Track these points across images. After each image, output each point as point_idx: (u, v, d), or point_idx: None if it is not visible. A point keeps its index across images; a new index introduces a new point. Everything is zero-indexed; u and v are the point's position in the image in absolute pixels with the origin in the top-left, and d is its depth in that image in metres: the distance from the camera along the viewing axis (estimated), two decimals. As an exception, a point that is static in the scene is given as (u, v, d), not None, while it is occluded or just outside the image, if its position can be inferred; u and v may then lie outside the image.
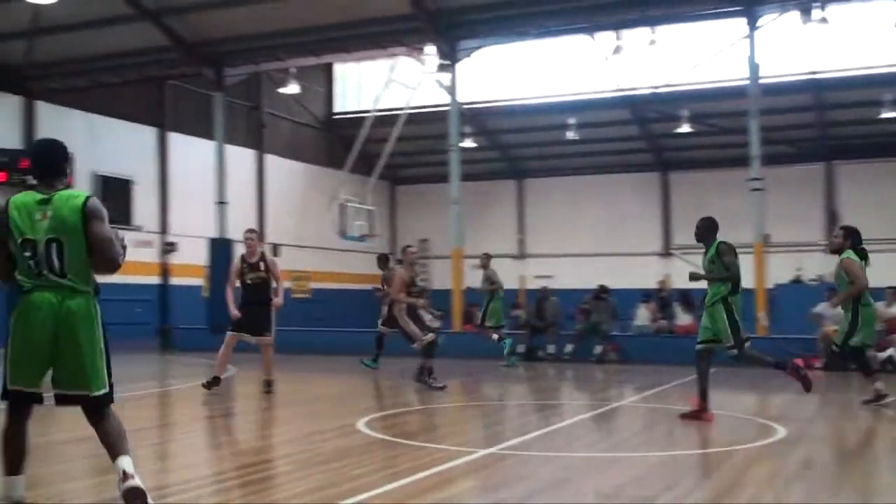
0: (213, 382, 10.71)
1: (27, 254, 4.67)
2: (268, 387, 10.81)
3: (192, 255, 23.10)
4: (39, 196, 4.73)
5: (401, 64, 23.05)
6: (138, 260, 23.92)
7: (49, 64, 21.29)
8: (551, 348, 17.47)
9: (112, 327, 4.87)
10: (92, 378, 4.67)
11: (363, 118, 24.21)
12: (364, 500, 5.24)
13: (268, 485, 6.01)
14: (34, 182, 4.87)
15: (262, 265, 10.66)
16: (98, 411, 4.73)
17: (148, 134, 24.62)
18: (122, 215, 23.64)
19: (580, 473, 6.32)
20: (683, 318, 18.25)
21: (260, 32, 19.96)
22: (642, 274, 24.91)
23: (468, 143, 26.19)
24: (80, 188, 20.26)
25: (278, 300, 10.83)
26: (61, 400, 4.71)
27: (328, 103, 31.03)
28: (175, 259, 24.57)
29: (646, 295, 19.86)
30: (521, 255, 30.28)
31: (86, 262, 4.73)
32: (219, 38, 20.38)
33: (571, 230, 29.01)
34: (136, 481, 4.54)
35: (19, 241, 4.67)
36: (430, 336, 11.54)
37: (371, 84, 27.82)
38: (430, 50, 19.95)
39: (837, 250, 9.93)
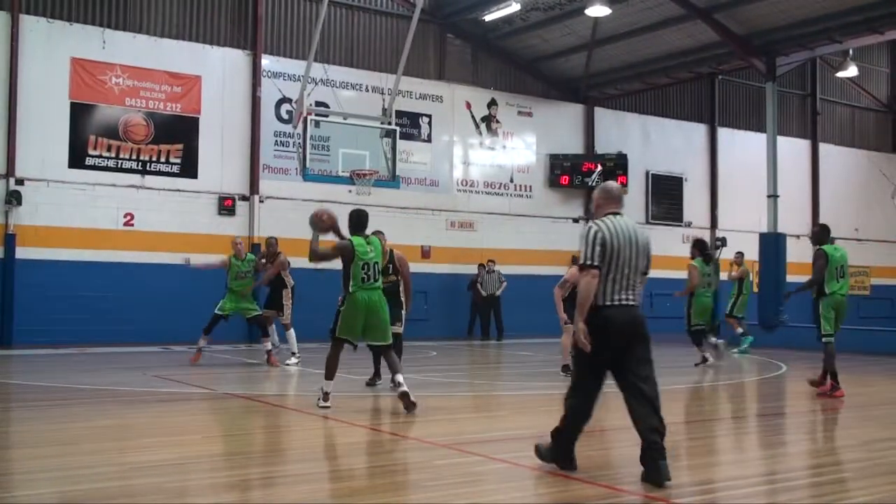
0: (566, 369, 11.66)
1: (364, 269, 8.38)
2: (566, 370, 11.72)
3: (740, 250, 22.93)
4: (364, 239, 8.50)
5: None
6: (685, 256, 24.43)
7: (605, 72, 22.84)
8: None
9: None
10: (387, 336, 8.59)
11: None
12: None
13: (819, 492, 5.67)
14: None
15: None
16: (386, 350, 8.60)
17: (697, 131, 25.04)
18: (673, 212, 24.39)
19: None
20: None
21: (815, 16, 18.94)
22: None
23: None
24: (635, 187, 21.29)
25: None
26: (373, 347, 8.83)
27: (893, 84, 28.45)
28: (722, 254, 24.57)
29: None
30: None
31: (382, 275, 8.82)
32: (770, 28, 19.81)
33: None
34: (405, 387, 8.22)
35: (361, 262, 8.36)
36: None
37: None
38: None
39: None
